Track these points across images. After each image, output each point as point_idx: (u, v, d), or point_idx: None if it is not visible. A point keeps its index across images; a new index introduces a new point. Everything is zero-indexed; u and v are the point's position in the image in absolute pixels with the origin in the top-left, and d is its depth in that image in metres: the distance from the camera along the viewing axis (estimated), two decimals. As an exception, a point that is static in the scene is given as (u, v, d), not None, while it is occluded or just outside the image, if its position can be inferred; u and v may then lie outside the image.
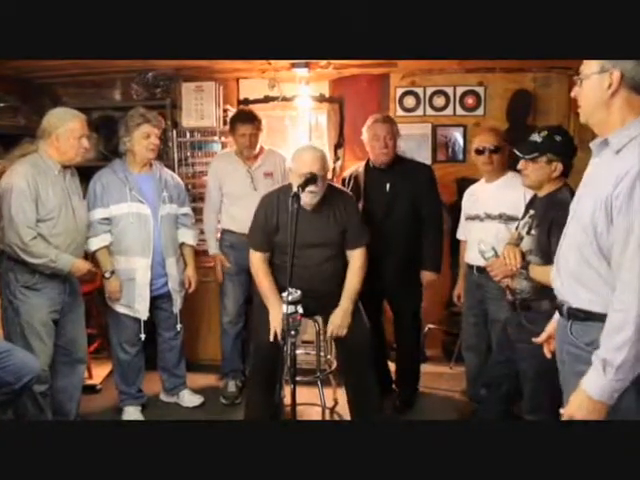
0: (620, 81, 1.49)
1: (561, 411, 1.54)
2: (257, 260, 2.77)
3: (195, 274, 3.30)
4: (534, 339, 1.91)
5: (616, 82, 1.49)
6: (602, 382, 1.42)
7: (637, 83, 1.49)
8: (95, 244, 2.96)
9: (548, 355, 1.87)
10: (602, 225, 1.47)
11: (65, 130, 2.64)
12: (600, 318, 1.49)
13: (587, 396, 1.45)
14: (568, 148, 2.26)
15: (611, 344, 1.41)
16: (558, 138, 2.22)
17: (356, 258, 2.76)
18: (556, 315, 1.84)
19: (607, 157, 1.55)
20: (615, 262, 1.45)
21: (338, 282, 2.76)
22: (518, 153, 2.32)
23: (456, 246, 3.21)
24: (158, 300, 3.17)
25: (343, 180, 3.31)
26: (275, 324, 2.60)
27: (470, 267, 2.92)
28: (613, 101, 1.52)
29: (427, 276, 3.17)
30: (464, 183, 3.31)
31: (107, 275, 2.99)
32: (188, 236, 3.27)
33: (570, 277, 1.61)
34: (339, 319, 2.69)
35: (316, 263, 2.67)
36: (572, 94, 1.64)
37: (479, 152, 2.86)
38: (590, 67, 1.55)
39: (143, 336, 3.08)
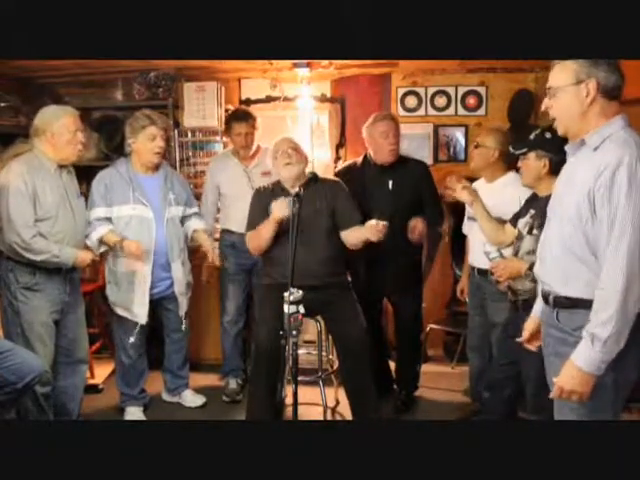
0: (597, 89, 1.56)
1: (553, 380, 1.61)
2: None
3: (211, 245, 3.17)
4: (518, 339, 1.96)
5: (593, 91, 1.57)
6: (591, 354, 1.52)
7: (610, 89, 1.57)
8: (96, 236, 2.86)
9: (533, 349, 1.93)
10: (586, 216, 1.57)
11: (59, 126, 2.62)
12: (586, 305, 1.57)
13: (577, 368, 1.54)
14: (560, 146, 2.24)
15: (598, 320, 1.51)
16: (548, 135, 2.23)
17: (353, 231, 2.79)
18: (533, 312, 1.89)
19: (585, 155, 1.62)
20: (601, 248, 1.54)
21: (336, 269, 2.79)
22: (511, 149, 2.37)
23: (457, 245, 3.20)
24: (164, 302, 3.14)
25: (337, 174, 3.25)
26: (277, 213, 2.66)
27: (472, 268, 2.92)
28: (590, 109, 1.60)
29: (419, 222, 2.96)
30: (465, 183, 3.31)
31: (120, 249, 2.86)
32: (199, 223, 3.20)
33: (556, 267, 1.68)
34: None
35: (312, 248, 2.69)
36: (543, 108, 1.69)
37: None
38: (562, 79, 1.61)
39: (132, 339, 3.00)
